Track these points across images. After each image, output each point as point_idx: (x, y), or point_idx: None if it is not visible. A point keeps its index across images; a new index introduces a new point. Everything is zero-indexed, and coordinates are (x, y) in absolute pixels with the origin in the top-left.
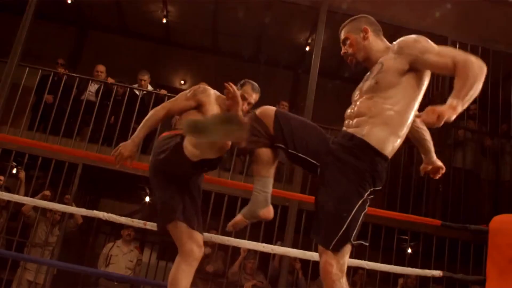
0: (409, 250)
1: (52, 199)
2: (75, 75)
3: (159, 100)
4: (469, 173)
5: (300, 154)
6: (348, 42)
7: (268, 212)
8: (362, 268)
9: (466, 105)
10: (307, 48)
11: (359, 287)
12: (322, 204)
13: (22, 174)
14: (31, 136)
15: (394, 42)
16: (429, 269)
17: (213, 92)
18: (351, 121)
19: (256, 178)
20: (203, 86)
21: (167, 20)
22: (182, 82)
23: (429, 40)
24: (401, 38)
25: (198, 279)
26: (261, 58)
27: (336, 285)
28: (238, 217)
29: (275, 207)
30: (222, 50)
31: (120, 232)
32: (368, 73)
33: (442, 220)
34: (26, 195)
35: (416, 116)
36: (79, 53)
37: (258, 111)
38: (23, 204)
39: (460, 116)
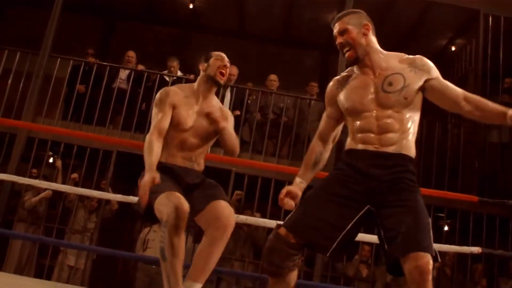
0: (446, 228)
1: (88, 187)
2: (105, 63)
3: None
4: (505, 147)
5: (352, 221)
6: (346, 34)
7: None
8: None
9: None
10: None
11: None
12: (409, 221)
13: (59, 163)
14: (66, 126)
15: (405, 55)
16: (467, 246)
17: (172, 88)
18: (377, 137)
19: None
20: (163, 90)
21: (193, 5)
22: None
23: None
24: (416, 56)
25: (234, 261)
26: (289, 39)
27: (430, 283)
28: None
29: (309, 188)
30: (249, 32)
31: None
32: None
33: (478, 196)
34: (63, 183)
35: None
36: (108, 43)
37: (281, 232)
38: (61, 193)
39: (495, 90)
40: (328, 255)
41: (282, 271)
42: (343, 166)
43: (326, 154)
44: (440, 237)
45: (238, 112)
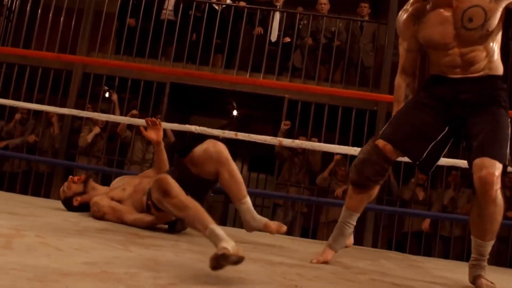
0: None
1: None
2: None
3: (239, 13)
4: None
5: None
6: None
7: (351, 241)
8: (456, 169)
9: None
10: None
11: (452, 188)
12: (488, 129)
13: (115, 97)
14: (119, 60)
15: None
16: None
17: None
18: (463, 68)
19: (351, 212)
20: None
21: None
22: None
23: None
24: None
25: (290, 187)
26: None
27: (494, 196)
28: (327, 251)
29: (363, 112)
30: None
31: None
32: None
33: None
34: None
35: None
36: None
37: (378, 144)
38: (118, 126)
39: None
40: (417, 164)
41: (370, 183)
42: (430, 90)
43: (415, 85)
44: None
45: (288, 39)
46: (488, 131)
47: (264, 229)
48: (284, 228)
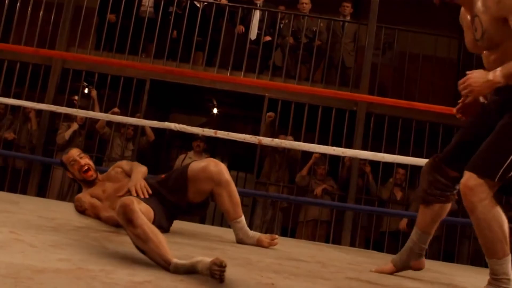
0: None
1: (123, 115)
2: None
3: (220, 11)
4: None
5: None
6: None
7: (419, 264)
8: None
9: (503, 80)
10: None
11: None
12: (489, 140)
13: (94, 93)
14: (98, 55)
15: None
16: None
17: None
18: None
19: (419, 231)
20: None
21: None
22: None
23: None
24: None
25: (270, 185)
26: None
27: (475, 205)
28: (388, 266)
29: (343, 112)
30: None
31: (191, 145)
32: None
33: None
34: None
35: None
36: None
37: (436, 159)
38: (97, 123)
39: None
40: None
41: (428, 198)
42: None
43: None
44: None
45: (269, 38)
46: (487, 142)
47: (257, 244)
48: (276, 241)
